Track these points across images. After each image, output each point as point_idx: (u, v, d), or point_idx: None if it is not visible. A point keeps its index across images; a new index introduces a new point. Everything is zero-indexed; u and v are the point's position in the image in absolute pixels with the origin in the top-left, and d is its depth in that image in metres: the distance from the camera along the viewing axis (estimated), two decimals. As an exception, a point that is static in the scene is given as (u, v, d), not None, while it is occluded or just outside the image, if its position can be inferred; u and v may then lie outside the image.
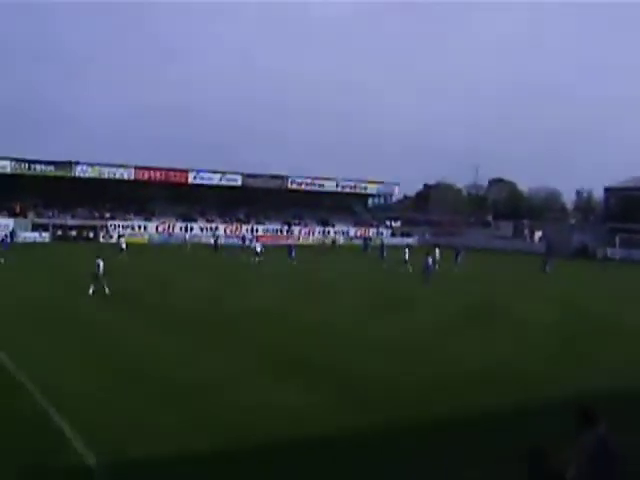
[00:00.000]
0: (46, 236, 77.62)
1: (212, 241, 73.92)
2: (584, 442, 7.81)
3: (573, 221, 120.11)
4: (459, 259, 57.79)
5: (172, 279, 38.96)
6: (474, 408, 14.55)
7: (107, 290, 31.16)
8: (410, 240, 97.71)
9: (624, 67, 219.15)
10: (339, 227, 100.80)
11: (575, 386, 16.46)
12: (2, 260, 40.23)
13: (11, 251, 48.84)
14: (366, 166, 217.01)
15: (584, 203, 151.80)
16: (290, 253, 57.14)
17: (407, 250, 52.87)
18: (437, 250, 53.39)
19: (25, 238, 75.03)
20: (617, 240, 75.28)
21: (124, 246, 54.82)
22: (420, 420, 13.61)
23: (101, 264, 32.10)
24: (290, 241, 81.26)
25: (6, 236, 44.67)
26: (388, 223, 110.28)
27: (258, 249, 55.03)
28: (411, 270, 47.12)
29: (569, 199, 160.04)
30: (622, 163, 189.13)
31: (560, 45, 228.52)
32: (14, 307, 26.70)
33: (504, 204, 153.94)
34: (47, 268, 43.01)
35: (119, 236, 56.71)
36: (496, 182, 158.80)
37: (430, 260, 42.66)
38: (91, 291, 30.98)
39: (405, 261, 50.49)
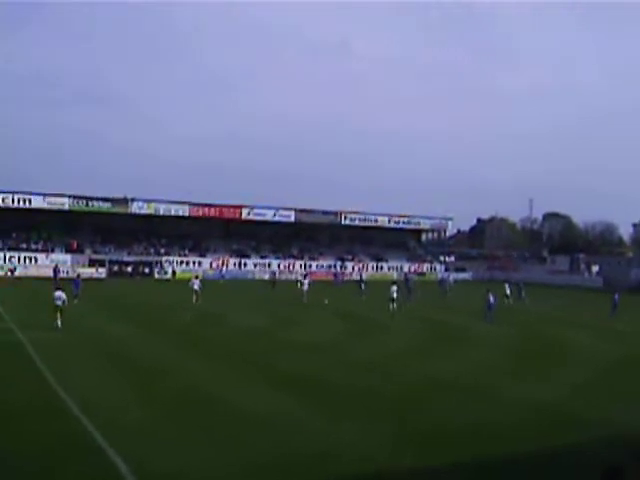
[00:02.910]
0: (102, 272, 78.51)
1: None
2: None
3: (631, 255, 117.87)
4: (522, 294, 57.43)
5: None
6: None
7: None
8: (460, 275, 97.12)
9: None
10: (392, 262, 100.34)
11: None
12: (76, 301, 40.50)
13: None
14: (420, 202, 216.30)
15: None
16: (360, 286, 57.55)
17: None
18: (506, 285, 54.14)
19: (83, 274, 75.90)
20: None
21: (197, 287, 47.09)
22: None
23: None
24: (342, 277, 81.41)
25: (78, 276, 44.91)
26: (442, 258, 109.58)
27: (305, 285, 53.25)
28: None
29: (626, 232, 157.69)
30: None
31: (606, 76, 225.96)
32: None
33: (559, 238, 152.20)
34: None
35: (195, 277, 51.44)
36: (551, 216, 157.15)
37: (492, 297, 41.39)
38: None
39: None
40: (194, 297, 45.75)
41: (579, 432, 15.61)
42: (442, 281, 70.61)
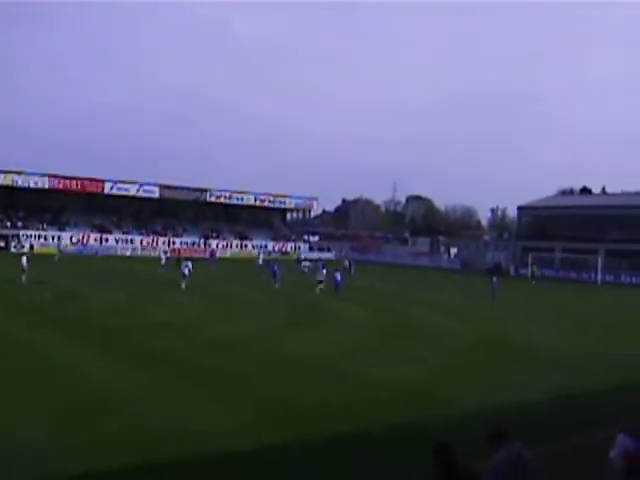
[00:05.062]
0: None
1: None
2: (494, 460, 7.82)
3: (487, 238, 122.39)
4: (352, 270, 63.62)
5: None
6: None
7: None
8: (323, 255, 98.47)
9: (546, 91, 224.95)
10: (257, 241, 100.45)
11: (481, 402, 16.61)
12: None
13: None
14: (285, 181, 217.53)
15: (498, 221, 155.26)
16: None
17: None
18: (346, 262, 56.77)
19: None
20: (529, 258, 76.96)
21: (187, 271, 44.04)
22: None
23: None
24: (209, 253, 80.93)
25: None
26: (306, 237, 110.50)
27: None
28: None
29: (484, 217, 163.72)
30: (536, 182, 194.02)
31: (478, 57, 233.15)
32: None
33: (421, 221, 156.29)
34: None
35: (185, 258, 48.81)
36: (414, 199, 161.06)
37: (339, 275, 42.89)
38: None
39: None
40: (183, 282, 42.89)
41: (431, 410, 16.07)
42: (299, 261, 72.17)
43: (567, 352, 25.53)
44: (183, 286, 42.31)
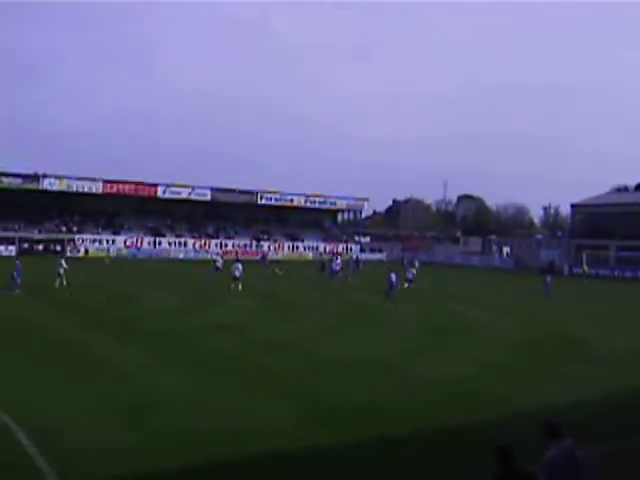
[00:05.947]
0: (12, 250, 76.67)
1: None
2: (546, 457, 7.82)
3: (540, 237, 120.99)
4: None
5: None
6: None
7: None
8: (375, 256, 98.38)
9: (594, 83, 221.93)
10: (308, 242, 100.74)
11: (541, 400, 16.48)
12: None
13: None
14: (336, 183, 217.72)
15: (551, 219, 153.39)
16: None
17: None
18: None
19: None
20: (584, 257, 75.96)
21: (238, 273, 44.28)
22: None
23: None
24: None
25: None
26: (357, 239, 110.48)
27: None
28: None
29: (537, 215, 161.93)
30: (589, 180, 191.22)
31: (525, 55, 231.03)
32: None
33: (473, 220, 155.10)
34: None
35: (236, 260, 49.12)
36: (465, 198, 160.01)
37: (394, 276, 42.34)
38: None
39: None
40: (235, 284, 43.34)
41: (484, 410, 16.00)
42: (354, 261, 71.48)
43: (621, 351, 25.10)
44: (235, 287, 42.65)
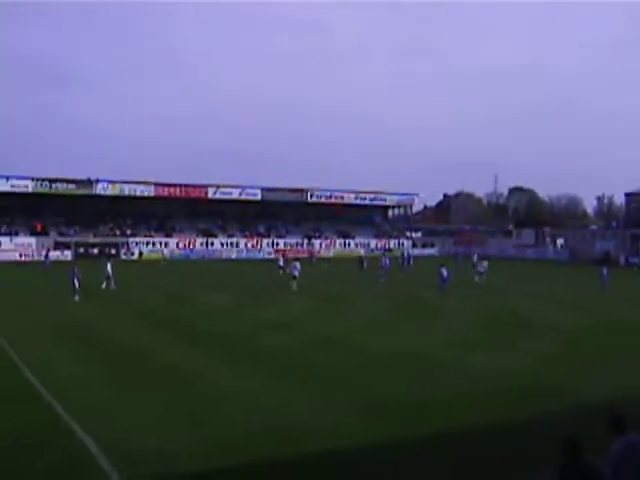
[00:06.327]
0: (68, 254, 77.84)
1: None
2: (610, 450, 7.68)
3: (594, 227, 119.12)
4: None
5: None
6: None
7: None
8: (426, 251, 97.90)
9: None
10: (359, 239, 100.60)
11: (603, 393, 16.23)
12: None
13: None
14: (385, 178, 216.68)
15: (605, 209, 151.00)
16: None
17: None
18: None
19: (49, 257, 75.28)
20: (640, 246, 74.65)
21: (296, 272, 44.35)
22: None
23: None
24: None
25: (46, 256, 48.42)
26: (408, 234, 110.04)
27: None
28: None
29: (590, 205, 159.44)
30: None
31: (573, 58, 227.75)
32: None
33: (525, 212, 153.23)
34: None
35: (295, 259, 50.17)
36: (516, 190, 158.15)
37: (445, 271, 42.16)
38: None
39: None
40: (294, 283, 43.40)
41: (546, 402, 15.83)
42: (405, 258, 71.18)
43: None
44: (294, 287, 42.78)
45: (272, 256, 69.20)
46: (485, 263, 51.71)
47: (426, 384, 17.40)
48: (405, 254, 71.56)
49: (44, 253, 67.73)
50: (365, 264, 61.66)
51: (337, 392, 16.47)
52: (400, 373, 18.79)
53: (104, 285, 41.53)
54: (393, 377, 18.26)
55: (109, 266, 42.56)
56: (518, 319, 30.43)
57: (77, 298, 35.85)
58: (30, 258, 75.79)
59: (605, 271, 46.43)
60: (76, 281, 36.67)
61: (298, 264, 45.05)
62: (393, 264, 58.19)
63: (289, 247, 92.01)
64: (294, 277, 43.83)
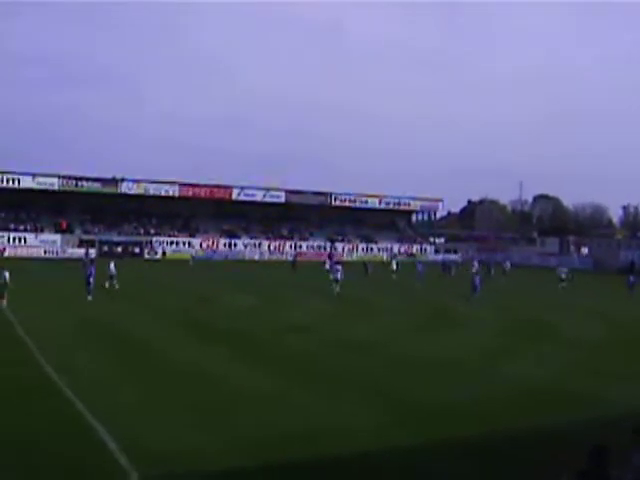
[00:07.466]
0: (92, 252, 78.14)
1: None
2: (634, 459, 7.61)
3: (620, 237, 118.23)
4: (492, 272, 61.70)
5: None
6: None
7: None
8: (450, 257, 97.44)
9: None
10: (383, 243, 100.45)
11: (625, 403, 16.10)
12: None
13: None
14: (409, 183, 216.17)
15: (631, 219, 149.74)
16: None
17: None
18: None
19: (72, 254, 75.92)
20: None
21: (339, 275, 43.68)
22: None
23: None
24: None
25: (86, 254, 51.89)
26: (432, 239, 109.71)
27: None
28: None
29: (615, 214, 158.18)
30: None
31: (595, 63, 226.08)
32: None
33: (549, 220, 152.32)
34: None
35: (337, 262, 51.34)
36: (541, 198, 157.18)
37: (477, 279, 41.96)
38: None
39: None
40: (337, 287, 42.63)
41: (572, 410, 15.73)
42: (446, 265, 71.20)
43: None
44: (337, 289, 42.37)
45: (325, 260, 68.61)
46: (339, 267, 46.46)
47: (451, 390, 17.29)
48: (418, 267, 66.97)
49: (84, 251, 69.83)
50: (369, 269, 61.38)
51: (360, 395, 16.39)
52: (425, 378, 18.69)
53: (107, 284, 41.10)
54: (418, 382, 18.15)
55: (112, 265, 42.38)
56: (546, 327, 30.19)
57: (90, 298, 35.19)
58: (54, 255, 76.44)
59: (632, 279, 46.33)
60: (92, 279, 36.10)
61: (340, 267, 44.87)
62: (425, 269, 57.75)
63: (311, 250, 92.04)
64: (336, 280, 43.16)
